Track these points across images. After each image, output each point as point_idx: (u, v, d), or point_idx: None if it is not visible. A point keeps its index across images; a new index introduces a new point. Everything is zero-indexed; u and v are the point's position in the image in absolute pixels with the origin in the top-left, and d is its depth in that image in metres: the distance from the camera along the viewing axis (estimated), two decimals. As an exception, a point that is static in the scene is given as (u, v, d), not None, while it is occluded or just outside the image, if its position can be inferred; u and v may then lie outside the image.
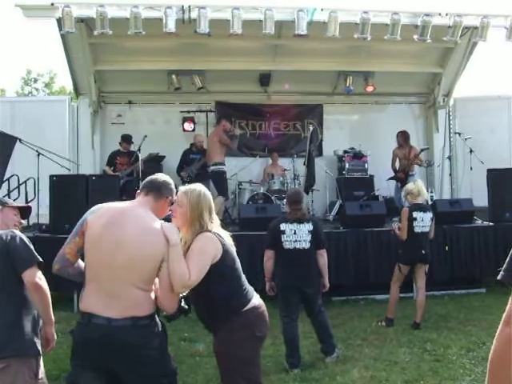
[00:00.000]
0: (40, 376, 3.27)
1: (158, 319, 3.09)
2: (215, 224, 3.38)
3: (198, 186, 3.45)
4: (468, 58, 11.14)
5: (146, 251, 2.97)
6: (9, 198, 9.34)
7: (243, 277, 3.44)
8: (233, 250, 3.40)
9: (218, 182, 10.18)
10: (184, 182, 10.55)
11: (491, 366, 1.81)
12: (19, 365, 3.12)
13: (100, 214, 3.08)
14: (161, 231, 3.03)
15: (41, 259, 3.24)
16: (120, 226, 3.00)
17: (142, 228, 3.03)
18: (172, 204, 3.31)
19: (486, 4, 9.09)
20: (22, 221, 3.67)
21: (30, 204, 3.96)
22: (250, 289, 3.45)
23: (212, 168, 10.24)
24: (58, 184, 8.23)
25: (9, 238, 3.22)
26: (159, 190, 3.22)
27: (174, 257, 3.02)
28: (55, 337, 3.45)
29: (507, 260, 1.86)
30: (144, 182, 3.32)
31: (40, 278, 3.17)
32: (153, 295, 3.05)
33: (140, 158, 9.85)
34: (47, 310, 3.29)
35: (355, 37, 8.66)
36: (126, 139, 10.53)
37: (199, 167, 10.60)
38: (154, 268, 2.99)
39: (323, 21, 8.51)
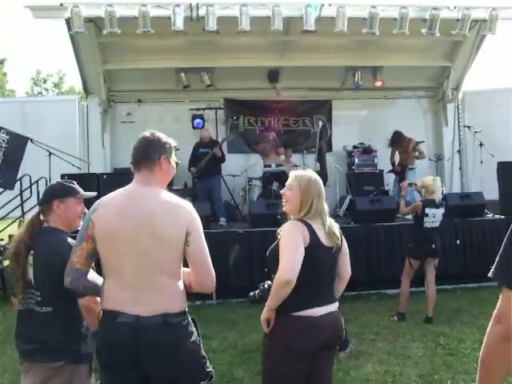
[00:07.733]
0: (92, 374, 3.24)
1: (189, 316, 2.77)
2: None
3: (310, 172, 3.37)
4: (477, 51, 11.06)
5: (171, 228, 2.66)
6: (21, 198, 9.46)
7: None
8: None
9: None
10: (193, 177, 10.58)
11: (482, 364, 1.78)
12: (77, 364, 3.09)
13: (105, 207, 2.74)
14: (182, 205, 2.73)
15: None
16: (135, 210, 2.68)
17: (160, 205, 2.72)
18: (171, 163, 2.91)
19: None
20: (86, 210, 3.18)
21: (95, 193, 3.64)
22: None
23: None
24: (70, 183, 8.23)
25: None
26: (147, 158, 2.83)
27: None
28: None
29: (497, 258, 1.78)
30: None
31: (95, 302, 2.99)
32: (182, 285, 2.73)
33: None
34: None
35: (363, 32, 8.68)
36: None
37: (207, 161, 10.25)
38: (181, 245, 2.67)
39: (331, 16, 8.53)
